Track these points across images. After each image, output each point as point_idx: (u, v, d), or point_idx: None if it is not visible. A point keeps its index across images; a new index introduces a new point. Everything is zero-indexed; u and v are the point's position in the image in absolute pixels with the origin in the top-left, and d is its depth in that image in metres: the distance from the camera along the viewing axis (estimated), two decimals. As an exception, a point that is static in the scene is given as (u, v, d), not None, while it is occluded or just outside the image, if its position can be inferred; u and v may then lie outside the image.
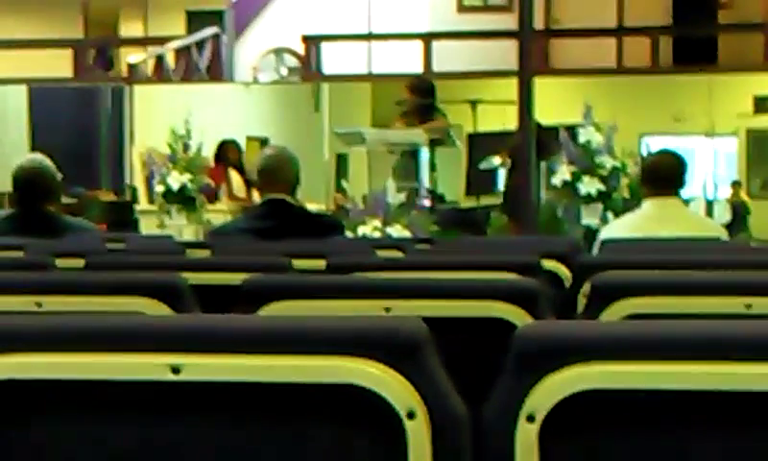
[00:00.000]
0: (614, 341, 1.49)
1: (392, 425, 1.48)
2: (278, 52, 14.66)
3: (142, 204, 11.06)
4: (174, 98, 11.62)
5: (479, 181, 12.34)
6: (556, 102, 11.30)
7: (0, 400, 1.54)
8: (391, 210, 8.21)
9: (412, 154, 9.83)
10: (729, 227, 8.83)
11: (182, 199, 9.42)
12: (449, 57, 13.64)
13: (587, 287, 2.65)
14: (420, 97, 10.11)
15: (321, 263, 3.19)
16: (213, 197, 10.36)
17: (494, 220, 10.36)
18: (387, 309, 2.32)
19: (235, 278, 2.68)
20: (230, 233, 5.32)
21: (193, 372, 1.50)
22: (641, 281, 2.41)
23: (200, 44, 13.63)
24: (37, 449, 1.56)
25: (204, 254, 4.03)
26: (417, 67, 13.62)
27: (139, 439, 1.55)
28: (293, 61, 14.52)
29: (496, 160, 11.48)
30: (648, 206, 5.33)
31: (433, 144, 9.81)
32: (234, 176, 11.08)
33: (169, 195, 9.42)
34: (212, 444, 1.54)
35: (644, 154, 9.28)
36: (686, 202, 5.92)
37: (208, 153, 10.48)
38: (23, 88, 13.32)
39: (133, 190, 11.89)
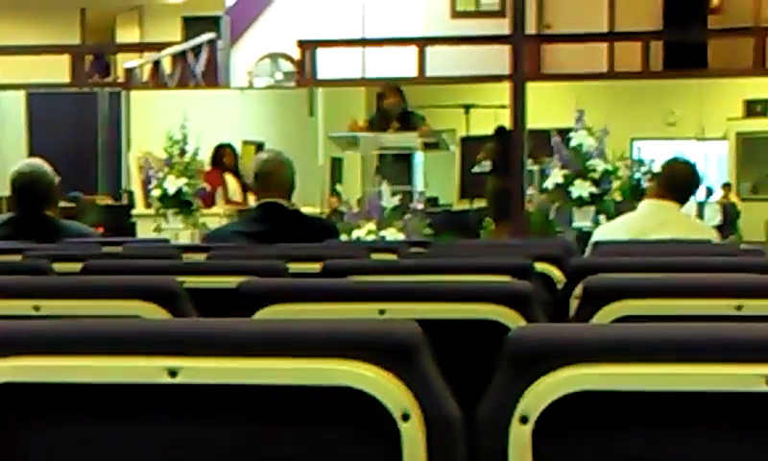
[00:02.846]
0: (607, 343, 1.50)
1: (386, 427, 1.48)
2: (274, 57, 14.66)
3: (139, 208, 11.04)
4: (170, 103, 11.60)
5: (472, 184, 12.36)
6: (548, 106, 11.31)
7: (-2, 403, 1.55)
8: (385, 214, 8.22)
9: (397, 158, 9.82)
10: (719, 229, 8.84)
11: (179, 203, 9.43)
12: (443, 61, 13.62)
13: (579, 290, 2.66)
14: (401, 99, 10.14)
15: (316, 266, 3.20)
16: (209, 201, 10.36)
17: (488, 223, 10.40)
18: (381, 312, 2.33)
19: (231, 281, 2.68)
20: (226, 237, 5.32)
21: (190, 375, 1.51)
22: (633, 284, 2.42)
23: (196, 50, 13.61)
24: (35, 452, 1.56)
25: (200, 257, 4.03)
26: (410, 72, 13.62)
27: (136, 442, 1.55)
28: (288, 66, 14.52)
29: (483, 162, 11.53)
30: (644, 207, 5.39)
31: (426, 148, 9.83)
32: (230, 180, 11.08)
33: (165, 199, 9.43)
34: (209, 446, 1.54)
35: (635, 157, 9.33)
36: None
37: (204, 157, 10.49)
38: (21, 94, 13.31)
39: (130, 194, 11.88)
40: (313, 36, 14.16)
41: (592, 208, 8.27)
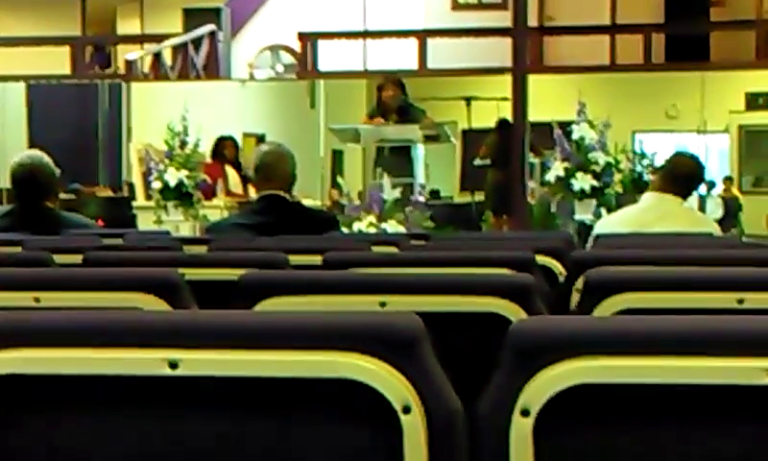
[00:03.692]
0: (608, 336, 1.50)
1: (387, 420, 1.48)
2: (274, 49, 14.66)
3: (139, 200, 11.03)
4: (171, 95, 11.61)
5: (474, 176, 12.37)
6: (550, 99, 11.31)
7: (-1, 394, 1.55)
8: (386, 206, 8.22)
9: (397, 150, 9.81)
10: (721, 222, 8.85)
11: (179, 195, 9.41)
12: (444, 54, 13.62)
13: (580, 282, 2.65)
14: (402, 92, 10.12)
15: (317, 259, 3.19)
16: (210, 193, 10.35)
17: (487, 215, 10.40)
18: (382, 304, 2.33)
19: (232, 273, 2.68)
20: (227, 229, 5.33)
21: (190, 367, 1.51)
22: (634, 277, 2.42)
23: (196, 41, 13.62)
24: (35, 444, 1.57)
25: (200, 249, 4.03)
26: (412, 64, 13.62)
27: (137, 434, 1.55)
28: (289, 58, 14.52)
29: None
30: (646, 200, 5.40)
31: (428, 140, 9.82)
32: (231, 172, 11.07)
33: (166, 191, 9.41)
34: (209, 438, 1.54)
35: (636, 150, 9.33)
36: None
37: (205, 149, 10.48)
38: (21, 85, 13.31)
39: (131, 186, 11.87)
40: (314, 28, 14.16)
41: (594, 201, 8.28)
